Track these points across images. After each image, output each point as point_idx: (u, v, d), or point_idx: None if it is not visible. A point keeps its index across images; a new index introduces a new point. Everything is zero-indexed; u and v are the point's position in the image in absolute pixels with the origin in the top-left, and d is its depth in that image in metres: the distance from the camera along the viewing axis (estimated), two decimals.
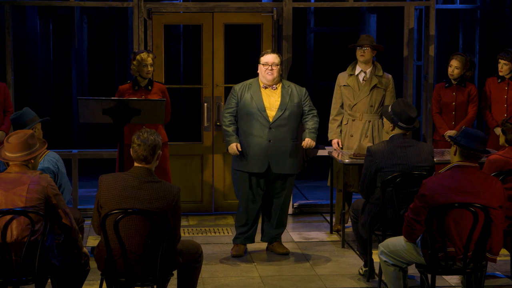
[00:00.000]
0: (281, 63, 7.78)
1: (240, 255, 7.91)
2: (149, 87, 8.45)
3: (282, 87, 7.78)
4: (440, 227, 5.65)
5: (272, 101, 7.72)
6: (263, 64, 7.73)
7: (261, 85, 7.78)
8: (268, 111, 7.69)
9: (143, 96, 8.31)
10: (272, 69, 7.67)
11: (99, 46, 15.58)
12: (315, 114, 7.79)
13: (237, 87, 7.82)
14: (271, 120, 7.66)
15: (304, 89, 7.87)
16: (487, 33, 13.47)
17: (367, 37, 8.77)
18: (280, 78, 7.82)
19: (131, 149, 5.62)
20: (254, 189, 7.82)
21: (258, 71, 7.82)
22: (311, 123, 7.75)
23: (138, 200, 5.51)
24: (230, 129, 7.75)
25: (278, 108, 7.68)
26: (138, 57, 8.35)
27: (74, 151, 9.70)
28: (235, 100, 7.77)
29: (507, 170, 6.74)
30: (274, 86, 7.77)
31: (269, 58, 7.71)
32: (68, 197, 6.69)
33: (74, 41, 14.77)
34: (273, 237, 8.03)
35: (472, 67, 9.05)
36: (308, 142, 7.69)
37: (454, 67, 8.96)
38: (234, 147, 7.69)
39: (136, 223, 5.51)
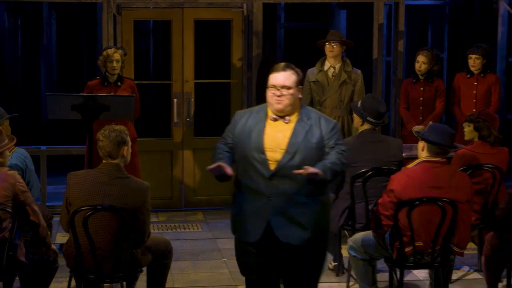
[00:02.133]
0: (300, 83, 5.21)
1: None
2: (119, 83, 8.41)
3: (300, 120, 5.20)
4: (409, 222, 5.68)
5: (279, 139, 5.16)
6: (269, 87, 5.21)
7: (270, 114, 5.26)
8: (269, 154, 5.14)
9: (112, 92, 8.27)
10: (281, 95, 5.13)
11: (68, 42, 15.48)
12: (343, 150, 5.20)
13: (240, 113, 5.40)
14: (272, 167, 5.11)
15: (333, 123, 5.25)
16: (456, 29, 13.54)
17: (336, 32, 8.81)
18: (300, 105, 5.25)
19: (97, 146, 5.62)
20: (256, 261, 5.31)
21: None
22: (332, 156, 5.15)
23: (107, 196, 5.49)
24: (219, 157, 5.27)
25: (286, 151, 5.11)
26: (104, 52, 8.34)
27: (43, 147, 9.65)
28: (231, 131, 5.34)
29: (475, 164, 6.80)
30: (286, 118, 5.21)
31: (278, 79, 5.16)
32: (37, 194, 6.65)
33: (43, 37, 14.67)
34: None
35: (439, 61, 9.10)
36: (307, 169, 4.98)
37: (421, 62, 9.01)
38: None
39: (106, 220, 5.49)
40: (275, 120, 5.21)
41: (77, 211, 5.46)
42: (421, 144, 5.91)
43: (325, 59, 8.72)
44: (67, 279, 6.57)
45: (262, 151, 5.14)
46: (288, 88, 5.13)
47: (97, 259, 5.52)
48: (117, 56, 8.29)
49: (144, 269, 5.92)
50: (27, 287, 5.86)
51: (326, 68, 8.67)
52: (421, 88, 9.06)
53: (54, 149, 9.80)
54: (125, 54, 8.44)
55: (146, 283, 6.04)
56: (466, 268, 7.41)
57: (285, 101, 5.14)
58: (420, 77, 9.07)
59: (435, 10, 13.70)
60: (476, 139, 7.00)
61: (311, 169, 4.97)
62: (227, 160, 5.23)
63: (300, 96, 5.19)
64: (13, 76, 15.02)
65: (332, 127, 5.20)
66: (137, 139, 8.69)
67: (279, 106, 5.15)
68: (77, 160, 9.52)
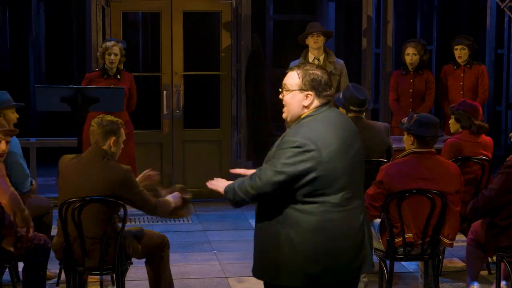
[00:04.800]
0: (310, 87, 4.19)
1: None
2: (118, 76, 8.44)
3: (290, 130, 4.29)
4: (398, 214, 5.70)
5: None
6: None
7: None
8: None
9: (112, 85, 8.28)
10: (283, 99, 4.32)
11: (57, 33, 15.45)
12: (259, 175, 4.10)
13: None
14: None
15: (288, 141, 4.11)
16: (444, 20, 13.57)
17: (316, 24, 8.80)
18: (306, 115, 4.22)
19: (89, 131, 5.68)
20: None
21: None
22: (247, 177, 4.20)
23: (87, 176, 5.49)
24: None
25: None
26: (103, 44, 8.40)
27: (32, 139, 9.64)
28: None
29: (464, 157, 6.81)
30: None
31: (285, 79, 4.31)
32: (23, 181, 6.54)
33: (31, 28, 14.63)
34: None
35: (427, 50, 9.10)
36: (214, 183, 4.36)
37: (412, 54, 9.00)
38: None
39: (93, 209, 5.49)
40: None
41: (65, 202, 5.47)
42: (409, 138, 5.90)
43: (307, 51, 8.69)
44: (57, 271, 6.59)
45: None
46: (288, 90, 4.25)
47: (85, 251, 5.52)
48: (116, 49, 8.33)
49: (136, 261, 5.92)
50: (28, 271, 5.85)
51: (310, 60, 8.65)
52: (411, 80, 9.08)
53: (43, 141, 9.77)
54: (125, 48, 8.46)
55: (148, 277, 6.00)
56: (456, 259, 7.43)
57: (287, 108, 4.27)
58: (410, 69, 9.08)
59: (424, 2, 13.72)
60: (460, 130, 7.02)
61: (214, 183, 4.36)
62: None
63: (305, 104, 4.20)
64: (2, 68, 14.99)
65: (282, 145, 4.11)
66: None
67: (284, 114, 4.32)
68: (67, 152, 9.50)
